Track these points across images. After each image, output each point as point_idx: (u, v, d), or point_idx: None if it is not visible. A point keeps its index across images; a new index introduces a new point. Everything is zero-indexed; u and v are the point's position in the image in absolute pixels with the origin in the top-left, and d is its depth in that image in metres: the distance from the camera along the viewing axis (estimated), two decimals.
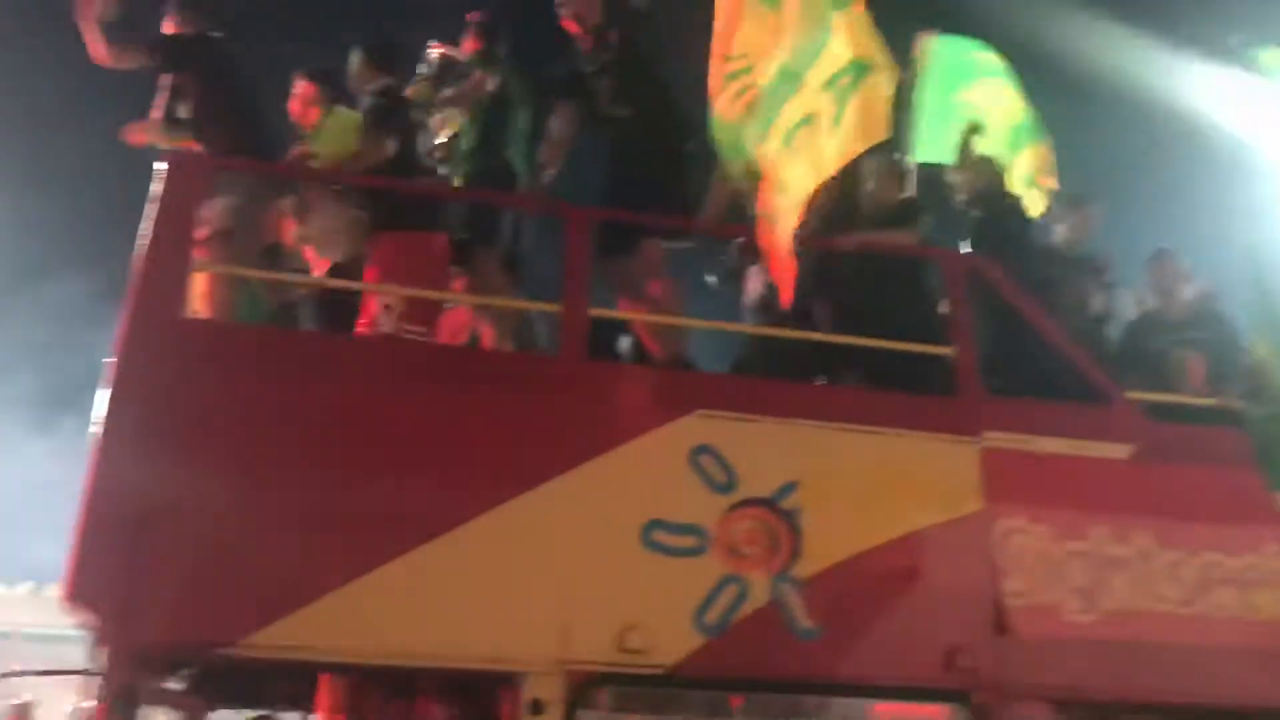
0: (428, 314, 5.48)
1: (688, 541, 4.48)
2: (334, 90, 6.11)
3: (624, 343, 5.91)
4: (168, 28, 6.14)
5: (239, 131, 5.85)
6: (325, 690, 4.76)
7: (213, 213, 5.42)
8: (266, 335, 5.18)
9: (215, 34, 6.19)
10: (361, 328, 5.31)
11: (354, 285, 5.57)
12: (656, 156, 5.68)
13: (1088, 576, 4.88)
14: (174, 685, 4.55)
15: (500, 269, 5.93)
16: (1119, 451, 5.08)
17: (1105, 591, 4.88)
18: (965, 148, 6.47)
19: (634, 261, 5.61)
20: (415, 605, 4.20)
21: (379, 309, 5.36)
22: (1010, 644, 4.69)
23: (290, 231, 6.04)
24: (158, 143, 5.91)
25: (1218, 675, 4.86)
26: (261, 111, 6.17)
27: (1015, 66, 7.11)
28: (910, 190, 6.25)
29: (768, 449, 4.61)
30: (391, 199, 5.54)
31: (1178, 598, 4.96)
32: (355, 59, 6.05)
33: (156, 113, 6.02)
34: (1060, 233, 6.51)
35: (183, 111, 5.96)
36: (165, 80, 6.02)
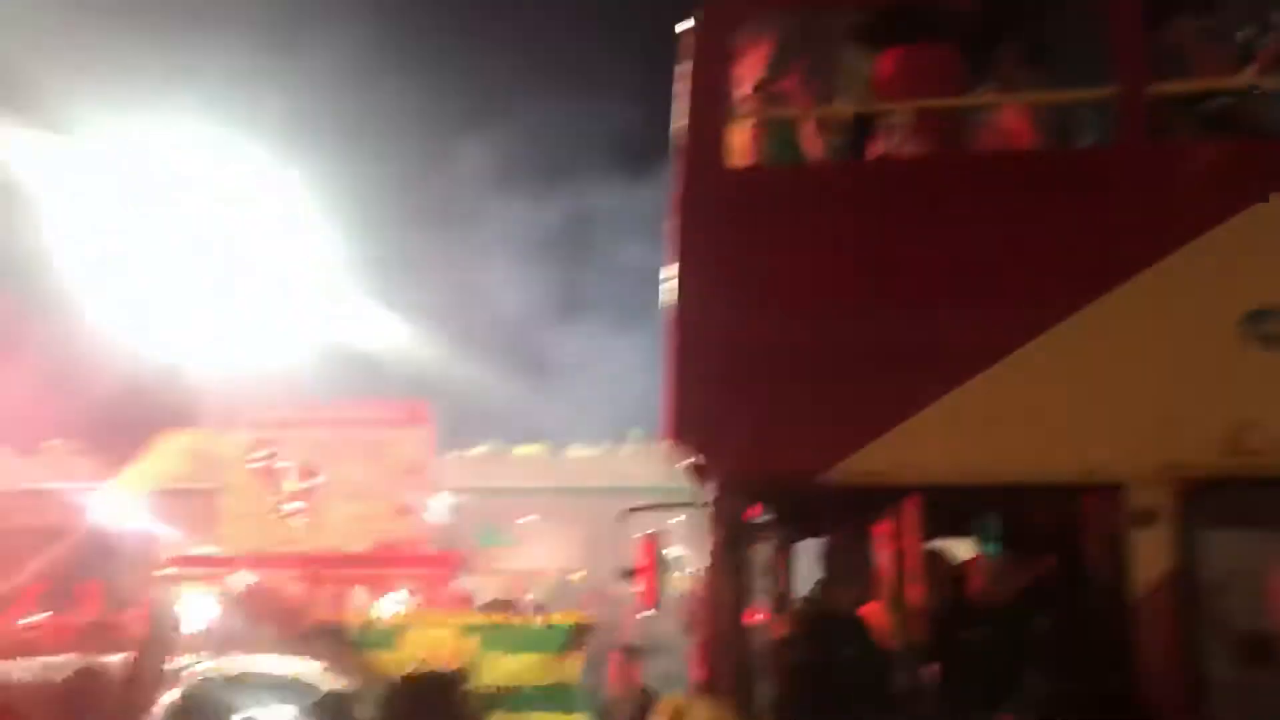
0: (941, 131, 5.13)
1: None
2: None
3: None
4: None
5: None
6: (907, 515, 4.73)
7: (756, 61, 5.23)
8: (815, 172, 4.92)
9: None
10: None
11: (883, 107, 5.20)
12: None
13: None
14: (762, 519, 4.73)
15: (1021, 64, 5.40)
16: None
17: None
18: None
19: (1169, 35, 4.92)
20: (1001, 422, 4.09)
21: (883, 133, 5.13)
22: None
23: None
24: None
25: None
26: None
27: None
28: None
29: None
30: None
31: None
32: None
33: None
34: None
35: None
36: None
